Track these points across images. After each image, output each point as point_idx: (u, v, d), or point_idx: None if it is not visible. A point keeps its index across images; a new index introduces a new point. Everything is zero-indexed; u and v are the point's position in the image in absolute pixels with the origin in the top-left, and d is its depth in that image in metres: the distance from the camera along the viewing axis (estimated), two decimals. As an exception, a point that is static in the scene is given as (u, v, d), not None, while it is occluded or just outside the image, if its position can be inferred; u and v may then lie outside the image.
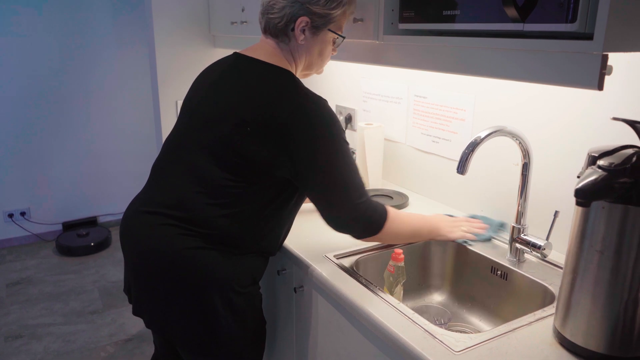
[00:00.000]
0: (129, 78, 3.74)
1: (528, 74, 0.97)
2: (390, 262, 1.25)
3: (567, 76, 0.90)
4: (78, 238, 3.53)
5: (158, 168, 1.31)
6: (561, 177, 1.30)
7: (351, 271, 1.24)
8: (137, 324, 2.65)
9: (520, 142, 1.22)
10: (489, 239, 1.41)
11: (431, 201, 1.72)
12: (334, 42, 1.28)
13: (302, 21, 1.18)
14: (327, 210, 1.22)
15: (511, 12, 0.95)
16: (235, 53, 1.29)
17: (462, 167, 1.19)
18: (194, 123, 1.24)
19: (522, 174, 1.26)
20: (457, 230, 1.40)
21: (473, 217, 1.52)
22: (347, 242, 1.39)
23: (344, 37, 1.28)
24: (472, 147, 1.18)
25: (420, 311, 1.28)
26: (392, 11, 1.29)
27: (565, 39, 0.89)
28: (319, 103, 1.18)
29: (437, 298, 1.43)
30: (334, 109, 2.22)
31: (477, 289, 1.36)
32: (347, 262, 1.29)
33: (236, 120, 1.16)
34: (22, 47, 3.40)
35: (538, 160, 1.35)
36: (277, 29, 1.21)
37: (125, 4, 3.63)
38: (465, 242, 1.38)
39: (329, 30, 1.23)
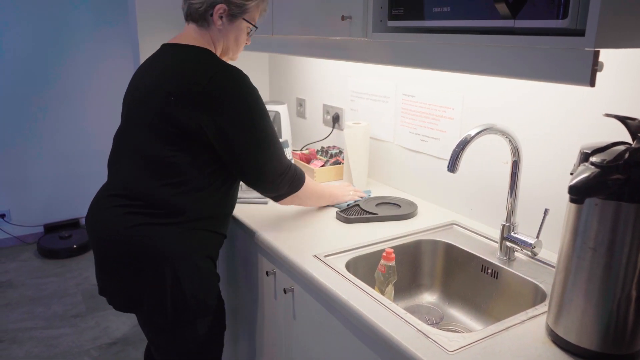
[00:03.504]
0: (112, 78, 3.68)
1: (519, 71, 0.96)
2: (382, 262, 1.24)
3: (558, 73, 0.90)
4: (60, 240, 3.46)
5: (110, 161, 1.42)
6: (550, 175, 1.30)
7: (342, 271, 1.22)
8: (121, 327, 2.60)
9: (510, 140, 1.21)
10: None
11: (419, 200, 1.71)
12: (248, 33, 1.42)
13: (220, 8, 1.32)
14: (255, 171, 1.33)
15: (502, 8, 0.94)
16: (162, 44, 1.41)
17: (452, 166, 1.18)
18: (131, 109, 1.37)
19: (512, 172, 1.25)
20: (348, 194, 1.65)
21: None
22: (336, 242, 1.38)
23: (256, 27, 1.42)
24: (463, 145, 1.18)
25: (412, 311, 1.27)
26: (380, 8, 1.28)
27: (556, 35, 0.89)
28: (237, 72, 1.29)
29: (428, 297, 1.43)
30: (320, 108, 2.21)
31: (467, 287, 1.36)
32: (337, 262, 1.27)
33: (162, 94, 1.27)
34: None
35: (528, 158, 1.35)
36: (198, 14, 1.33)
37: (107, 1, 3.57)
38: (349, 204, 1.62)
39: (244, 19, 1.36)
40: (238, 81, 1.28)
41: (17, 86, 3.41)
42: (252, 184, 1.37)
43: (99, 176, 3.78)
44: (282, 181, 1.37)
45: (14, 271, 3.20)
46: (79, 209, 3.78)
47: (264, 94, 2.61)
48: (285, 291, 1.32)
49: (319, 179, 1.89)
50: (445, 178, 1.62)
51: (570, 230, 0.90)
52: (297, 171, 1.42)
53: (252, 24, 1.39)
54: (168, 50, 1.37)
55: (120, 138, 1.40)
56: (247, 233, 1.51)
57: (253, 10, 1.37)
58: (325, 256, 1.29)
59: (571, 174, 0.86)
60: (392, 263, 1.23)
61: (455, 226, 1.51)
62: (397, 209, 1.59)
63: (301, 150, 2.14)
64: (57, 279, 3.10)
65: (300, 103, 2.34)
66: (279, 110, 2.09)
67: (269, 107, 2.09)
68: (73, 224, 3.73)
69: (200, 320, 1.37)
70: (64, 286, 3.01)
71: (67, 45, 3.51)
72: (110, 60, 3.65)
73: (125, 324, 2.63)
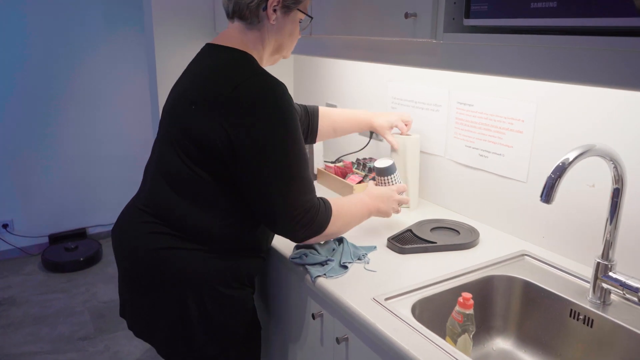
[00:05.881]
0: (123, 82, 3.47)
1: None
2: (457, 309, 1.03)
3: None
4: (66, 252, 3.26)
5: (145, 168, 1.30)
6: (655, 203, 1.09)
7: (408, 319, 1.01)
8: (132, 352, 2.40)
9: (615, 166, 1.00)
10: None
11: (477, 223, 1.50)
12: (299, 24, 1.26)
13: (274, 0, 1.15)
14: (264, 204, 1.10)
15: (643, 3, 0.73)
16: (206, 44, 1.24)
17: (547, 196, 0.97)
18: (164, 116, 1.24)
19: (613, 201, 1.04)
20: (391, 208, 1.34)
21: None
22: (394, 279, 1.17)
23: (311, 18, 1.26)
24: (560, 171, 0.97)
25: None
26: (454, 4, 1.07)
27: None
28: (271, 80, 1.10)
29: (500, 343, 1.22)
30: (355, 115, 2.00)
31: (551, 335, 1.15)
32: (400, 306, 1.07)
33: (185, 103, 1.14)
34: (2, 48, 3.12)
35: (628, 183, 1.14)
36: (249, 10, 1.15)
37: (120, 3, 3.36)
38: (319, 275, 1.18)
39: (299, 10, 1.20)
40: (268, 92, 1.08)
41: (22, 91, 3.21)
42: (262, 219, 1.15)
43: (108, 183, 3.58)
44: (296, 224, 1.11)
45: (17, 286, 3.00)
46: (86, 218, 3.58)
47: (288, 99, 2.41)
48: (338, 341, 1.11)
49: (358, 197, 1.68)
50: (511, 200, 1.41)
51: None
52: (319, 214, 1.13)
53: (306, 14, 1.22)
54: (206, 53, 1.21)
55: (155, 147, 1.27)
56: (287, 267, 1.30)
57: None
58: (386, 299, 1.09)
59: None
60: (471, 311, 1.02)
61: (526, 257, 1.30)
62: (456, 236, 1.39)
63: (335, 162, 1.93)
64: (62, 295, 2.90)
65: (331, 109, 2.13)
66: (311, 119, 1.88)
67: (299, 115, 1.88)
68: (79, 234, 3.53)
69: (231, 351, 1.25)
70: (71, 304, 2.81)
71: (77, 48, 3.30)
72: (121, 63, 3.44)
73: (137, 347, 2.42)
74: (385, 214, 1.32)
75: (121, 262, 1.25)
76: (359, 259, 1.26)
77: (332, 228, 1.17)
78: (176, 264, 1.15)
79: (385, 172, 1.42)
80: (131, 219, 1.22)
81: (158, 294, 1.17)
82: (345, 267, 1.21)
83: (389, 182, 1.43)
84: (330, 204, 1.17)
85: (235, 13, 1.18)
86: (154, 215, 1.18)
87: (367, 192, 1.31)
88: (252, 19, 1.16)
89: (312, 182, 1.14)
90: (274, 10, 1.16)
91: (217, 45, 1.19)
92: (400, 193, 1.37)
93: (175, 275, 1.15)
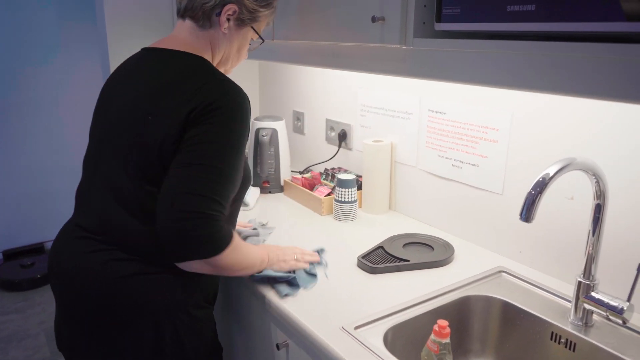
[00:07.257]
0: (82, 85, 3.30)
1: (651, 95, 0.69)
2: (433, 338, 0.95)
3: None
4: (21, 269, 3.07)
5: (80, 190, 1.17)
6: (638, 219, 1.04)
7: (380, 352, 0.93)
8: (92, 376, 2.25)
9: (597, 181, 0.94)
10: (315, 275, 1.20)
11: (451, 236, 1.43)
12: (249, 44, 1.22)
13: (230, 8, 1.10)
14: (172, 198, 0.95)
15: (632, 6, 0.67)
16: (143, 48, 1.16)
17: (527, 213, 0.90)
18: (104, 130, 1.12)
19: (595, 215, 0.98)
20: (290, 260, 1.20)
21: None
22: (364, 302, 1.09)
23: (263, 40, 1.22)
24: (540, 186, 0.90)
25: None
26: (424, 7, 0.99)
27: None
28: (233, 87, 1.04)
29: (478, 368, 1.15)
30: (323, 123, 1.91)
31: (531, 359, 1.08)
32: (371, 335, 0.98)
33: (139, 115, 1.03)
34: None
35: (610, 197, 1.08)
36: (202, 10, 1.09)
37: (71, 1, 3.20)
38: (288, 293, 1.12)
39: (252, 27, 1.16)
40: (229, 98, 1.01)
41: (-30, 96, 3.02)
42: (159, 213, 0.97)
43: (65, 195, 3.40)
44: (191, 232, 0.94)
45: (-33, 307, 2.82)
46: (43, 233, 3.39)
47: (254, 107, 2.30)
48: (304, 375, 1.02)
49: (327, 210, 1.59)
50: (486, 212, 1.35)
51: None
52: (218, 235, 0.97)
53: (259, 35, 1.19)
54: (150, 59, 1.11)
55: (91, 164, 1.13)
56: (250, 290, 1.20)
57: (262, 20, 1.18)
58: (356, 328, 1.00)
59: None
60: (447, 340, 0.95)
61: (504, 274, 1.23)
62: (430, 252, 1.31)
63: (302, 173, 1.84)
64: (17, 316, 2.73)
65: (298, 117, 2.04)
66: (276, 128, 1.79)
67: (263, 124, 1.79)
68: (36, 249, 3.34)
69: None
70: (25, 325, 2.64)
71: (28, 56, 3.12)
72: (75, 71, 3.27)
73: (96, 371, 2.28)
74: (275, 262, 1.17)
75: (70, 301, 1.08)
76: (319, 264, 1.24)
77: (227, 257, 0.99)
78: (145, 290, 1.04)
79: (344, 184, 1.52)
80: (76, 250, 1.07)
81: (130, 325, 1.05)
82: (314, 275, 1.18)
83: (346, 195, 1.52)
84: (232, 233, 1.02)
85: (187, 11, 1.11)
86: (106, 242, 1.05)
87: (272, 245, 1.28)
88: (204, 22, 1.10)
89: (227, 205, 1.00)
90: (227, 19, 1.11)
91: (164, 49, 1.10)
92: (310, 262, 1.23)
93: (147, 302, 1.04)
